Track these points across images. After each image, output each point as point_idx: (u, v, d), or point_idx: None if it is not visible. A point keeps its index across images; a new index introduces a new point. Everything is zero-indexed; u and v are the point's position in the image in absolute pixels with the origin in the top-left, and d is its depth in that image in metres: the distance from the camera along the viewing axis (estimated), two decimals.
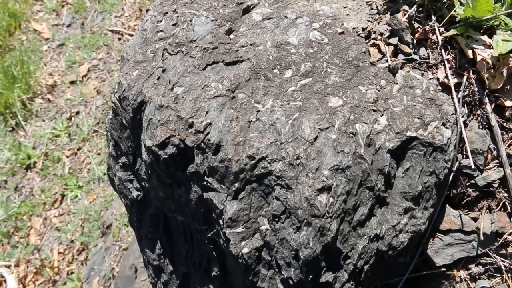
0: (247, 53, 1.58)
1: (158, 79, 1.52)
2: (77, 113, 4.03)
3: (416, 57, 1.72)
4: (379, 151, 1.40)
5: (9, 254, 3.54)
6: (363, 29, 1.76)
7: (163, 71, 1.54)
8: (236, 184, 1.35)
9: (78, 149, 3.93)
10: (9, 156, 3.87)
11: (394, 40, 1.70)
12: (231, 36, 1.63)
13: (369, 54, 1.70)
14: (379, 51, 1.71)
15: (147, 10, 1.72)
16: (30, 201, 3.73)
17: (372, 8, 1.81)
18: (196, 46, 1.58)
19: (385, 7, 1.79)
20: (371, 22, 1.80)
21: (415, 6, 1.75)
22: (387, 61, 1.68)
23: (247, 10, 1.70)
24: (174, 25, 1.63)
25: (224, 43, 1.61)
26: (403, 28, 1.68)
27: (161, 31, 1.62)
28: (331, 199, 1.32)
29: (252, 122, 1.45)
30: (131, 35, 4.28)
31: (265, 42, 1.61)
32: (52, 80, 4.13)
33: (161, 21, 1.66)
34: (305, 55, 1.60)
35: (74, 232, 3.61)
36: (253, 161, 1.34)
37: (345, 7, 1.82)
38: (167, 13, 1.66)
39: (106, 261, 3.29)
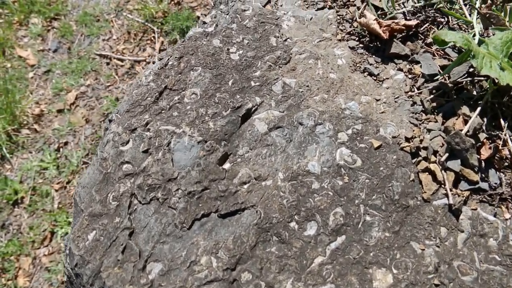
0: (251, 195, 0.91)
1: (123, 251, 0.84)
2: (66, 143, 3.36)
3: (485, 186, 1.04)
4: None
5: None
6: (407, 139, 1.08)
7: (131, 234, 0.87)
8: None
9: (68, 182, 3.28)
10: None
11: (455, 165, 1.02)
12: (226, 165, 0.95)
13: (420, 184, 1.02)
14: (434, 179, 1.03)
15: (110, 121, 1.01)
16: (17, 239, 3.09)
17: (414, 103, 1.13)
18: (178, 190, 0.90)
19: (434, 103, 1.11)
20: (417, 126, 1.12)
21: (479, 108, 1.05)
22: (446, 195, 1.00)
23: (247, 115, 1.02)
24: (146, 151, 0.94)
25: (217, 179, 0.93)
26: (468, 148, 1.00)
27: (127, 162, 0.93)
28: None
29: None
30: (121, 60, 3.57)
31: (275, 173, 0.93)
32: (39, 109, 3.43)
33: (127, 142, 0.97)
34: (333, 193, 0.92)
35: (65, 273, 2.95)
36: None
37: (377, 100, 1.13)
38: (135, 129, 0.98)
39: None
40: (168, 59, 1.21)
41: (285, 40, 1.34)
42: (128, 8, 3.86)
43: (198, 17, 3.79)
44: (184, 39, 1.30)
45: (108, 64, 3.71)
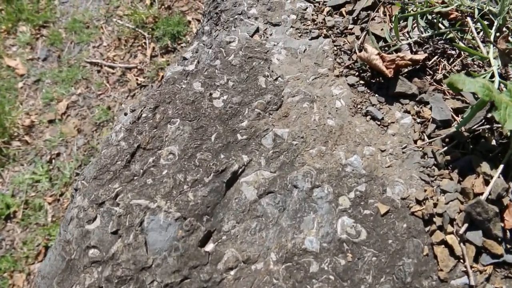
0: (239, 284, 0.73)
1: None
2: (58, 155, 3.17)
3: (510, 259, 0.84)
4: None
5: None
6: (419, 202, 0.88)
7: None
8: None
9: (61, 195, 3.10)
10: None
11: (475, 237, 0.83)
12: (210, 246, 0.76)
13: (436, 259, 0.82)
14: (451, 253, 0.83)
15: (75, 190, 0.82)
16: (11, 255, 2.92)
17: (425, 154, 0.93)
18: (153, 281, 0.72)
19: (448, 157, 0.90)
20: (429, 184, 0.92)
21: (501, 166, 0.84)
22: (466, 273, 0.80)
23: (233, 179, 0.81)
24: (115, 233, 0.74)
25: (198, 266, 0.74)
26: (491, 218, 0.79)
27: (94, 246, 0.74)
28: None
29: None
30: (112, 67, 3.35)
31: (266, 252, 0.74)
32: (29, 120, 3.23)
33: (93, 220, 0.78)
34: (335, 277, 0.74)
35: None
36: None
37: (383, 151, 0.94)
38: (103, 203, 0.78)
39: None
40: (142, 110, 1.00)
41: (276, 79, 1.13)
42: (118, 14, 3.62)
43: (189, 22, 3.56)
44: (161, 82, 1.09)
45: (99, 71, 3.50)
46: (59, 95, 3.42)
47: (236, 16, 1.27)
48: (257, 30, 1.25)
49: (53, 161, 3.32)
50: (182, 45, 3.49)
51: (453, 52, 1.15)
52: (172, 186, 0.89)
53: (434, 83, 1.13)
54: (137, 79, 3.41)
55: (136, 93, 3.38)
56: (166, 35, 3.47)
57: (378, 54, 1.12)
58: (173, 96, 1.05)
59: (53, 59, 3.54)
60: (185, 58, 1.19)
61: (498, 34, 1.14)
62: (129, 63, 3.46)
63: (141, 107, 1.01)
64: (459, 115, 1.07)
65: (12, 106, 3.40)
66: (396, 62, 1.11)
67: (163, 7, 3.60)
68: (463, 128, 1.01)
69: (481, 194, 0.92)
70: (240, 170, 0.94)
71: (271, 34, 1.25)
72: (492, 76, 1.02)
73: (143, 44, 3.51)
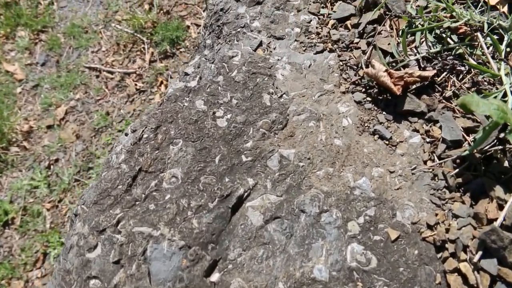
0: None
1: None
2: (56, 160, 3.12)
3: None
4: None
5: None
6: (430, 226, 0.83)
7: None
8: None
9: (59, 201, 3.05)
10: None
11: (490, 265, 0.79)
12: (215, 276, 0.72)
13: (448, 287, 0.78)
14: (465, 281, 0.79)
15: (75, 215, 0.78)
16: (9, 262, 2.88)
17: (435, 176, 0.88)
18: None
19: (460, 179, 0.86)
20: (440, 207, 0.88)
21: None
22: None
23: (239, 203, 0.76)
24: (117, 262, 0.70)
25: None
26: (506, 245, 0.75)
27: (94, 276, 0.72)
28: None
29: None
30: (110, 72, 3.30)
31: (274, 282, 0.70)
32: (28, 125, 3.18)
33: (94, 248, 0.74)
34: None
35: None
36: None
37: (392, 172, 0.89)
38: (104, 230, 0.74)
39: None
40: (143, 130, 0.96)
41: (281, 96, 1.08)
42: (116, 19, 3.57)
43: (188, 27, 3.51)
44: (162, 100, 1.04)
45: (97, 77, 3.45)
46: (58, 101, 3.38)
47: (238, 29, 1.23)
48: (260, 44, 1.20)
49: (52, 167, 3.27)
50: (181, 50, 3.44)
51: (462, 68, 1.11)
52: (175, 212, 0.85)
53: (444, 100, 1.08)
54: (136, 84, 3.37)
55: (135, 98, 3.34)
56: (165, 40, 3.42)
57: (386, 70, 1.08)
58: (175, 115, 1.00)
59: (52, 64, 3.49)
60: (186, 74, 1.15)
61: (508, 49, 1.10)
62: (128, 68, 3.41)
63: (142, 127, 0.97)
64: (470, 135, 1.03)
65: (11, 112, 3.35)
66: (404, 79, 1.07)
67: (161, 12, 3.55)
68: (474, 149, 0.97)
69: (495, 219, 0.88)
70: (246, 194, 0.89)
71: (274, 48, 1.21)
72: (505, 95, 0.98)
73: (142, 49, 3.46)
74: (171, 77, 3.36)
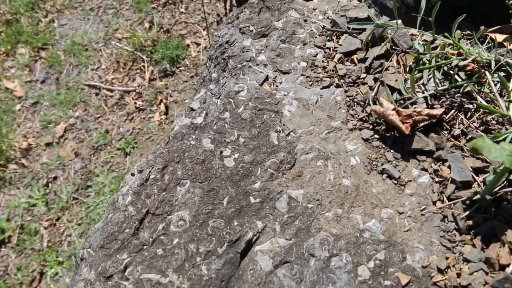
0: None
1: None
2: (55, 178, 3.09)
3: None
4: None
5: None
6: (441, 271, 0.82)
7: None
8: None
9: (57, 219, 3.02)
10: None
11: None
12: None
13: None
14: None
15: (81, 259, 0.74)
16: (4, 282, 2.84)
17: (445, 217, 0.86)
18: None
19: (470, 221, 0.84)
20: (450, 250, 0.86)
21: None
22: None
23: (247, 248, 0.74)
24: None
25: None
26: None
27: None
28: None
29: None
30: (110, 90, 3.28)
31: None
32: (26, 143, 3.15)
33: None
34: None
35: None
36: None
37: (401, 213, 0.87)
38: (112, 276, 0.71)
39: None
40: (150, 171, 0.94)
41: (288, 134, 1.07)
42: (116, 37, 3.56)
43: (188, 45, 3.50)
44: (169, 137, 1.03)
45: (97, 94, 3.43)
46: (57, 118, 3.35)
47: (244, 63, 1.21)
48: (266, 79, 1.19)
49: (50, 184, 3.24)
50: (181, 68, 3.43)
51: (470, 106, 1.10)
52: (184, 258, 0.83)
53: (452, 139, 1.07)
54: (135, 103, 3.35)
55: (135, 116, 3.32)
56: (165, 58, 3.41)
57: (394, 109, 1.06)
58: (182, 154, 0.98)
59: (52, 81, 3.47)
60: (192, 109, 1.13)
61: None
62: (128, 86, 3.40)
63: (149, 167, 0.95)
64: (479, 175, 1.01)
65: (10, 129, 3.32)
66: (413, 117, 1.06)
67: (161, 30, 3.54)
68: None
69: (508, 265, 0.86)
70: (255, 238, 0.87)
71: (280, 83, 1.19)
72: None
73: (142, 67, 3.45)
74: (170, 96, 3.35)
